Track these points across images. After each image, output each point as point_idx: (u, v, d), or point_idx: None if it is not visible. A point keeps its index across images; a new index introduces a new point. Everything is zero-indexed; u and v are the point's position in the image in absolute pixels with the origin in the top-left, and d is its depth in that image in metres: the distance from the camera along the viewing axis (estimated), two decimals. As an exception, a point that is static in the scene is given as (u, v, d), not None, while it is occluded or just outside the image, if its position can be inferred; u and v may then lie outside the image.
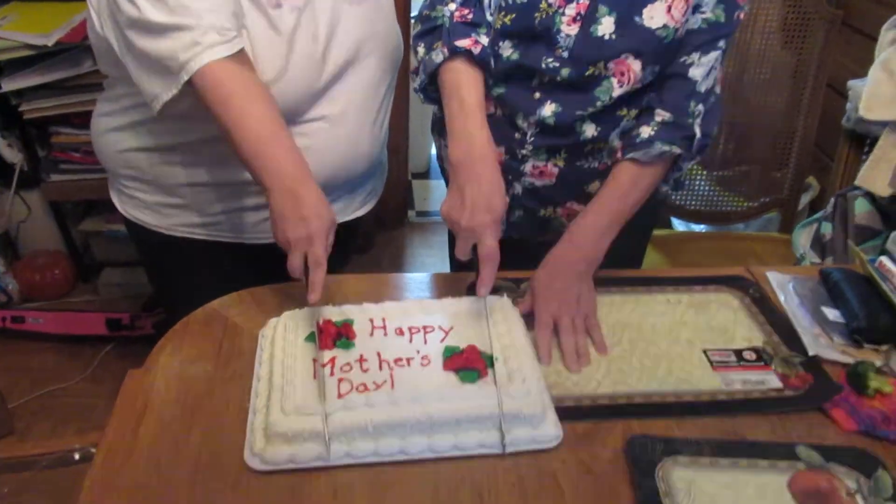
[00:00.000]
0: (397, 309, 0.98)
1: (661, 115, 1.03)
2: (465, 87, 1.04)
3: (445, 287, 1.11)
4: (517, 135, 1.11)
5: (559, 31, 1.02)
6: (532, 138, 1.11)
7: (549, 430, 0.84)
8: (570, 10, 1.01)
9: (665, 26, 0.98)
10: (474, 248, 0.97)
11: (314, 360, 0.88)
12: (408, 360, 0.89)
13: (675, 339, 1.02)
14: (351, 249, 1.45)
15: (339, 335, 0.92)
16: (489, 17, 1.07)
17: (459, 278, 1.11)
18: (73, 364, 2.02)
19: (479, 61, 1.05)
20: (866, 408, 0.90)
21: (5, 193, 2.22)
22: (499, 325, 0.95)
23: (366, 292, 1.07)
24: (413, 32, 1.12)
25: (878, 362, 0.95)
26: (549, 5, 1.01)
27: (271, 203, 0.96)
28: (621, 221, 1.05)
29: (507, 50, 1.07)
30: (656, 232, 1.94)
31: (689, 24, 1.00)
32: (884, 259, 1.10)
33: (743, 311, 1.09)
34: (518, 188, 1.16)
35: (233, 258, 1.27)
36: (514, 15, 1.04)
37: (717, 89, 1.07)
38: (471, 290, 1.02)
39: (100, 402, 1.91)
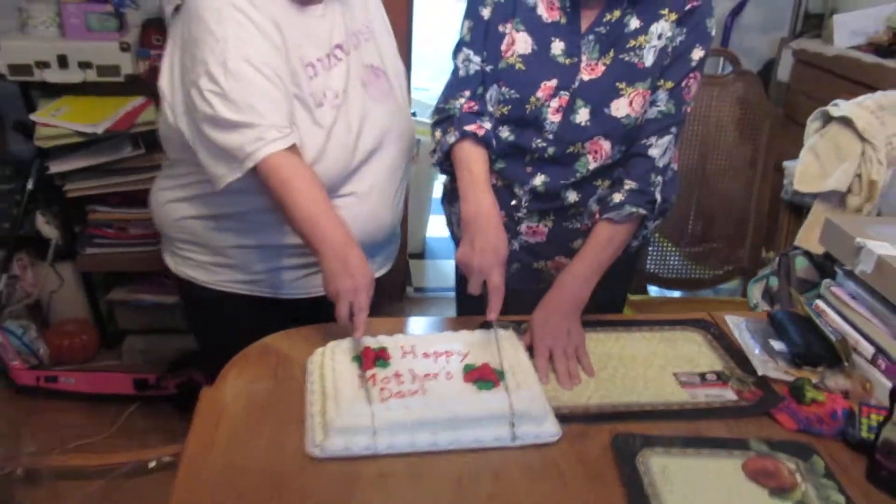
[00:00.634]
0: (422, 339, 1.20)
1: (629, 184, 1.28)
2: (474, 161, 1.29)
3: (458, 326, 1.32)
4: (514, 201, 1.36)
5: (546, 119, 1.28)
6: (526, 203, 1.36)
7: (551, 428, 1.05)
8: (554, 103, 1.28)
9: (628, 115, 1.26)
10: (484, 284, 1.20)
11: (359, 376, 1.09)
12: (434, 374, 1.10)
13: (649, 365, 1.24)
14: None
15: (378, 357, 1.13)
16: (490, 109, 1.34)
17: (469, 320, 1.33)
18: (99, 421, 2.17)
19: (483, 142, 1.31)
20: (804, 412, 1.11)
21: (40, 265, 2.42)
22: (506, 350, 1.16)
23: (392, 330, 1.28)
24: (431, 122, 1.38)
25: (814, 379, 1.17)
26: (538, 99, 1.28)
27: (323, 264, 1.17)
28: (601, 270, 1.29)
29: (504, 133, 1.33)
30: (635, 297, 2.19)
31: (647, 115, 1.27)
32: (819, 302, 1.33)
33: (706, 344, 1.31)
34: (516, 245, 1.40)
35: (269, 311, 1.46)
36: (510, 107, 1.30)
37: (674, 166, 1.33)
38: (482, 326, 1.24)
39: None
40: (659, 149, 1.27)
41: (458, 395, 1.06)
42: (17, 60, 2.02)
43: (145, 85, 2.14)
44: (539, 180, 1.33)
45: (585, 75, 1.26)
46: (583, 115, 1.27)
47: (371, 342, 1.17)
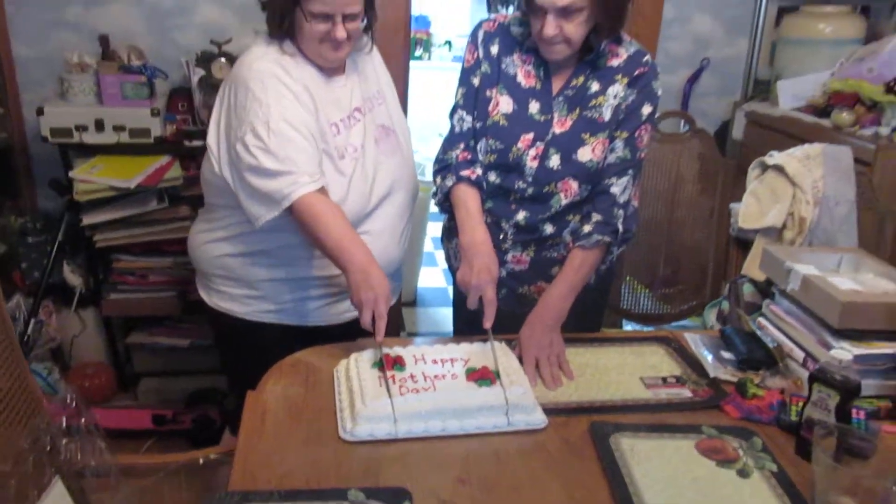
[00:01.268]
0: (431, 349, 1.43)
1: (596, 216, 1.54)
2: (469, 200, 1.56)
3: (458, 342, 1.55)
4: (500, 234, 1.62)
5: (525, 164, 1.55)
6: (511, 236, 1.62)
7: (539, 417, 1.27)
8: (532, 152, 1.55)
9: (591, 160, 1.53)
10: (479, 299, 1.44)
11: (379, 377, 1.31)
12: (442, 376, 1.33)
13: (620, 372, 1.48)
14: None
15: (395, 363, 1.35)
16: (481, 157, 1.60)
17: (465, 338, 1.55)
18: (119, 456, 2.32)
19: (476, 184, 1.57)
20: (747, 405, 1.34)
21: (64, 311, 2.62)
22: (500, 357, 1.39)
23: (405, 345, 1.50)
24: (433, 170, 1.65)
25: (756, 380, 1.41)
26: (518, 149, 1.55)
27: (349, 279, 1.40)
28: (576, 290, 1.53)
29: (492, 177, 1.60)
30: (609, 331, 2.43)
31: (608, 160, 1.55)
32: (761, 318, 1.58)
33: (668, 356, 1.55)
34: (503, 272, 1.64)
35: (294, 339, 1.66)
36: (496, 155, 1.58)
37: (635, 203, 1.60)
38: (478, 341, 1.48)
39: (140, 490, 2.20)
40: (619, 187, 1.54)
41: (462, 391, 1.29)
42: (58, 124, 2.28)
43: (171, 145, 2.40)
44: (521, 215, 1.59)
45: (557, 129, 1.54)
46: (555, 161, 1.54)
47: (389, 352, 1.40)
